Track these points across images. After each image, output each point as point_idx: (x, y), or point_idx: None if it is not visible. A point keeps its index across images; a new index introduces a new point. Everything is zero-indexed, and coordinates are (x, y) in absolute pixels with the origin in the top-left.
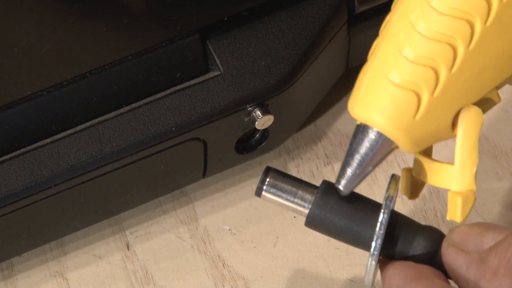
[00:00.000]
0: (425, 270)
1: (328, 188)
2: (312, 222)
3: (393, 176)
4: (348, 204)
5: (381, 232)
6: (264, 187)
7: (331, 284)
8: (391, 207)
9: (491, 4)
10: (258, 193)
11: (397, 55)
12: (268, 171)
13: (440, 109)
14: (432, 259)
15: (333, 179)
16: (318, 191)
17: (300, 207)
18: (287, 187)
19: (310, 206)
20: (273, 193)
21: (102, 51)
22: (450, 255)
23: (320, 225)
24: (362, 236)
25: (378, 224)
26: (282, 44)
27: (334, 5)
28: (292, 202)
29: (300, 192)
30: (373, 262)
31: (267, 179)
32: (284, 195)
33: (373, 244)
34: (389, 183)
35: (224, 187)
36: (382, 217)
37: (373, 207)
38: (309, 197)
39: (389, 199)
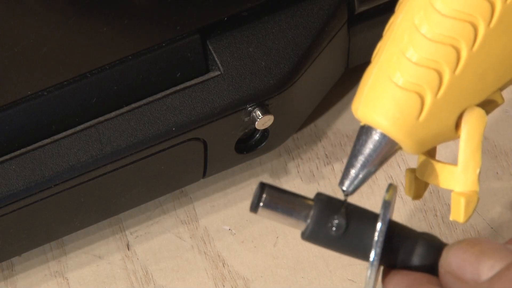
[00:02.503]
0: (429, 279)
1: (324, 204)
2: (309, 238)
3: (390, 185)
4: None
5: (380, 240)
6: (261, 204)
7: (331, 284)
8: (388, 216)
9: (495, 6)
10: (254, 210)
11: (401, 57)
12: (263, 188)
13: (444, 111)
14: (433, 266)
15: (333, 179)
16: (314, 209)
17: (296, 224)
18: (283, 204)
19: (306, 222)
20: (269, 211)
21: (102, 51)
22: (448, 282)
23: (317, 241)
24: (361, 247)
25: (376, 233)
26: (282, 44)
27: (334, 5)
28: (288, 219)
29: (296, 209)
30: (373, 271)
31: (263, 196)
32: (280, 212)
33: (372, 253)
34: (387, 191)
35: (224, 187)
36: (380, 225)
37: (370, 218)
38: (305, 213)
39: (386, 207)
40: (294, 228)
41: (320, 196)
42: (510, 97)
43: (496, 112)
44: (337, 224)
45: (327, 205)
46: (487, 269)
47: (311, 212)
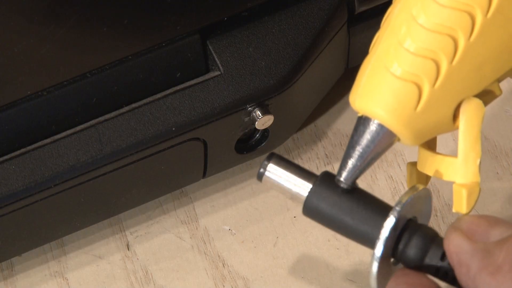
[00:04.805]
0: (430, 285)
1: (328, 177)
2: (309, 209)
3: (413, 186)
4: (347, 194)
5: (386, 235)
6: (266, 171)
7: (331, 284)
8: (399, 213)
9: None
10: (260, 176)
11: (398, 47)
12: (272, 156)
13: (441, 101)
14: (422, 257)
15: None
16: (318, 179)
17: (298, 193)
18: (288, 172)
19: (308, 193)
20: (274, 177)
21: (102, 51)
22: (455, 239)
23: (317, 214)
24: (358, 229)
25: (384, 229)
26: (282, 44)
27: (334, 5)
28: (292, 187)
29: (300, 178)
30: (376, 264)
31: (270, 163)
32: (284, 180)
33: (377, 248)
34: (407, 191)
35: (224, 187)
36: (391, 220)
37: (372, 201)
38: (309, 184)
39: (400, 205)
40: (296, 201)
41: (325, 172)
42: (510, 97)
43: (496, 112)
44: (343, 185)
45: (333, 174)
46: (497, 233)
47: (314, 184)
